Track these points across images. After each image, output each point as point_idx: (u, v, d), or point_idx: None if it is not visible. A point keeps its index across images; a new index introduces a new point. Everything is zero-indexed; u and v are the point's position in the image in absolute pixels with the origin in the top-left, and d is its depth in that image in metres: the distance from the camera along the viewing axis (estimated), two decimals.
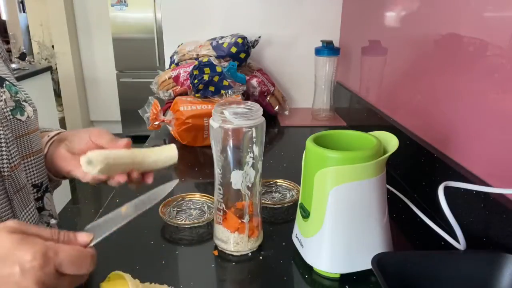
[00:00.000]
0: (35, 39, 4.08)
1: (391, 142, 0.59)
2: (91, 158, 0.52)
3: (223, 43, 1.33)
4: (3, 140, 0.53)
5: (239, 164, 0.60)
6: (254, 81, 1.34)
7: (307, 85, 1.49)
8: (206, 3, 1.49)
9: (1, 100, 0.55)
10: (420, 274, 0.51)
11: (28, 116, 0.59)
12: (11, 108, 0.56)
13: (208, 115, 1.08)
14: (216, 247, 0.66)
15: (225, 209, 0.63)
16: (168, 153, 0.60)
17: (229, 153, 0.59)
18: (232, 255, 0.64)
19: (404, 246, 0.68)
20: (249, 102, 0.62)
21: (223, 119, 0.58)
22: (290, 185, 0.86)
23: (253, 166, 0.60)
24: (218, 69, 1.18)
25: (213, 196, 0.65)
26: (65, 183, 1.94)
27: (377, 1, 1.15)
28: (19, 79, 2.18)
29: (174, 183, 0.55)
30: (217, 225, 0.64)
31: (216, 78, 1.16)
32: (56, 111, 2.86)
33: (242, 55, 1.33)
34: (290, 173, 0.90)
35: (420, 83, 0.88)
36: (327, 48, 1.31)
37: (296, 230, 0.64)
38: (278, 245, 0.66)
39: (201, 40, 1.42)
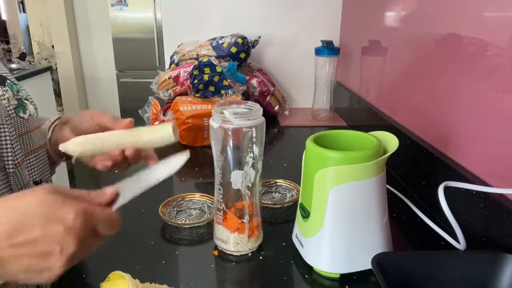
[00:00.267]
0: (35, 39, 4.08)
1: (391, 142, 0.59)
2: (72, 141, 0.55)
3: (223, 43, 1.33)
4: (8, 138, 0.54)
5: (239, 164, 0.60)
6: (254, 81, 1.34)
7: (307, 85, 1.49)
8: (206, 3, 1.49)
9: (4, 99, 0.56)
10: (420, 274, 0.51)
11: (30, 114, 0.60)
12: (14, 106, 0.57)
13: (208, 115, 1.08)
14: (216, 247, 0.66)
15: (225, 209, 0.63)
16: (163, 132, 0.58)
17: (229, 153, 0.59)
18: (232, 255, 0.64)
19: (404, 246, 0.68)
20: (249, 102, 0.62)
21: (223, 119, 0.58)
22: (290, 185, 0.86)
23: (253, 166, 0.60)
24: (218, 69, 1.18)
25: (213, 196, 0.65)
26: (64, 181, 1.94)
27: (377, 1, 1.15)
28: (19, 79, 2.18)
29: (185, 154, 0.53)
30: (217, 225, 0.64)
31: (216, 78, 1.16)
32: (56, 111, 2.87)
33: (242, 55, 1.33)
34: (290, 173, 0.90)
35: (420, 83, 0.88)
36: (327, 48, 1.31)
37: (296, 230, 0.64)
38: (278, 245, 0.66)
39: (201, 40, 1.42)
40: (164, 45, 1.57)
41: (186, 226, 0.71)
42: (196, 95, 1.16)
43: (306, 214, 0.59)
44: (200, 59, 1.31)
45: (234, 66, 1.23)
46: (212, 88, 1.15)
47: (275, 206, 0.79)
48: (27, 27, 4.13)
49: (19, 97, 0.59)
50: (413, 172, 0.85)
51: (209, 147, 0.63)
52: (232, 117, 0.57)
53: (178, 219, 0.73)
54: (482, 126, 0.66)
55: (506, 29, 0.60)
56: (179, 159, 0.51)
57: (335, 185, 0.55)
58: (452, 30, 0.75)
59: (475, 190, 0.61)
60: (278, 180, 0.88)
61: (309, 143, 0.58)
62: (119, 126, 0.59)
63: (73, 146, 0.55)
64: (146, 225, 0.72)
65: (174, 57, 1.42)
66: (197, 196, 0.80)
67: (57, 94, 3.81)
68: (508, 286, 0.49)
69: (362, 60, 1.28)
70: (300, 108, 1.55)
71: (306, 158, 0.60)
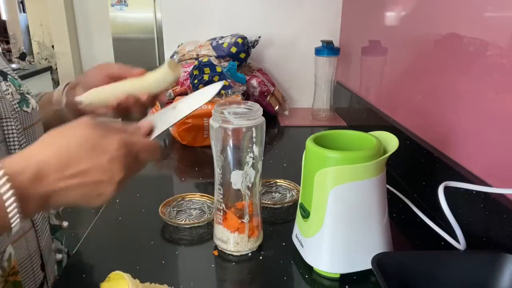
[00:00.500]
0: (35, 39, 4.08)
1: (391, 142, 0.59)
2: (86, 93, 0.61)
3: (223, 43, 1.33)
4: (14, 131, 0.55)
5: (239, 164, 0.60)
6: (254, 81, 1.34)
7: (307, 85, 1.49)
8: (206, 3, 1.49)
9: (8, 93, 0.57)
10: (420, 274, 0.51)
11: (33, 108, 0.61)
12: (18, 100, 0.58)
13: (208, 115, 1.08)
14: (216, 247, 0.66)
15: (225, 209, 0.63)
16: (165, 70, 0.62)
17: (229, 153, 0.59)
18: (232, 255, 0.64)
19: (404, 246, 0.68)
20: (249, 102, 0.62)
21: (223, 119, 0.58)
22: (290, 185, 0.86)
23: (253, 166, 0.60)
24: (218, 69, 1.18)
25: (213, 196, 0.65)
26: None
27: (377, 1, 1.15)
28: None
29: (220, 84, 0.58)
30: (217, 225, 0.64)
31: (216, 78, 1.16)
32: None
33: (242, 55, 1.33)
34: (290, 173, 0.90)
35: (420, 83, 0.88)
36: (327, 48, 1.31)
37: (296, 230, 0.64)
38: (278, 245, 0.66)
39: (201, 40, 1.42)
40: (164, 45, 1.57)
41: (186, 226, 0.71)
42: None
43: (306, 214, 0.59)
44: (200, 59, 1.31)
45: (234, 66, 1.23)
46: None
47: (275, 206, 0.79)
48: (27, 27, 4.12)
49: (21, 91, 0.60)
50: (413, 172, 0.85)
51: (209, 147, 0.63)
52: (232, 117, 0.57)
53: (178, 219, 0.73)
54: (482, 126, 0.66)
55: (506, 29, 0.60)
56: (214, 86, 0.54)
57: (335, 185, 0.55)
58: (452, 30, 0.75)
59: (475, 190, 0.61)
60: (278, 180, 0.88)
61: (309, 143, 0.58)
62: (131, 75, 0.63)
63: (87, 96, 0.61)
64: (146, 225, 0.72)
65: (174, 57, 1.42)
66: (197, 196, 0.80)
67: None
68: (508, 286, 0.49)
69: (362, 60, 1.28)
70: (300, 108, 1.55)
71: (306, 158, 0.60)
